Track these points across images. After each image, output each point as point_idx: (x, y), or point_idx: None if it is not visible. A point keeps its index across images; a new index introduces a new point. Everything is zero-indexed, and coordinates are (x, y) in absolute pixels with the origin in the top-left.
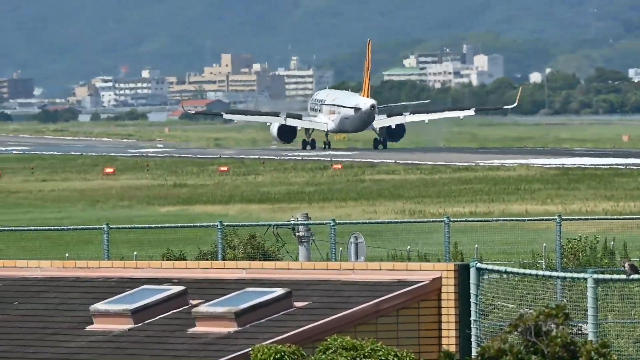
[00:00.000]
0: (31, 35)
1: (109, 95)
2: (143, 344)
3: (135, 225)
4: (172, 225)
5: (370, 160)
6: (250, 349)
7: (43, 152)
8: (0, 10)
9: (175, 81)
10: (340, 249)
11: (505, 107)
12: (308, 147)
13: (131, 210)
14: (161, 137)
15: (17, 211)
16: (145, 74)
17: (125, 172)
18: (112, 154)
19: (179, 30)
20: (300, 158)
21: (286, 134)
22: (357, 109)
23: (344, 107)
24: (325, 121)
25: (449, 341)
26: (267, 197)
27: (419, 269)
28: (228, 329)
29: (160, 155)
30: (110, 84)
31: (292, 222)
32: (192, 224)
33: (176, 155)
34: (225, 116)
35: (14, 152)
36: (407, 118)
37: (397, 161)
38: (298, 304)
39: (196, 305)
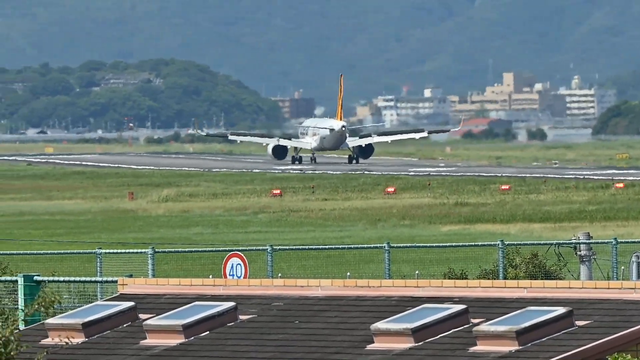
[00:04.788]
0: (313, 54)
1: (391, 114)
2: None
3: (417, 244)
4: (454, 244)
5: None
6: None
7: (324, 171)
8: (283, 28)
9: (458, 100)
10: (622, 267)
11: (452, 129)
12: (296, 162)
13: (412, 229)
14: (443, 156)
15: (298, 230)
16: (427, 93)
17: (407, 191)
18: (394, 173)
19: (461, 48)
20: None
21: (279, 152)
22: (331, 130)
23: (321, 128)
24: (309, 141)
25: None
26: (548, 216)
27: None
28: (509, 348)
29: (442, 174)
30: (392, 103)
31: (574, 241)
32: (473, 243)
33: (458, 173)
34: (230, 137)
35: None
36: (375, 139)
37: None
38: (579, 323)
39: (477, 324)
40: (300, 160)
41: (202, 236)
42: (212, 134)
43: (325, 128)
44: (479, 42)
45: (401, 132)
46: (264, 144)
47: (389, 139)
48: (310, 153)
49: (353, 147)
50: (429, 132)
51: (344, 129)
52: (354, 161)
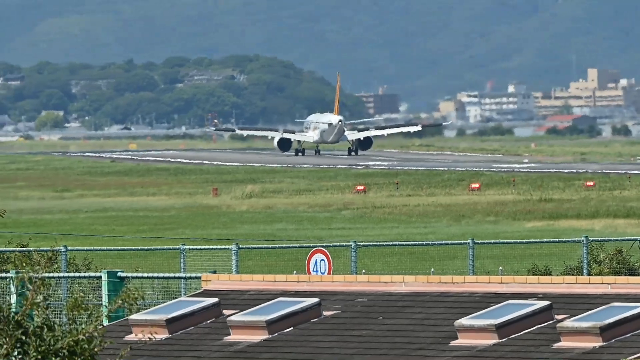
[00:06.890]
0: (397, 50)
1: (475, 110)
2: (507, 359)
3: (501, 240)
4: (538, 240)
5: None
6: None
7: (408, 167)
8: (366, 25)
9: (541, 96)
10: None
11: (443, 124)
12: (300, 154)
13: (497, 225)
14: (527, 152)
15: (382, 226)
16: (511, 88)
17: (491, 187)
18: (478, 169)
19: (545, 44)
20: None
21: (284, 145)
22: (329, 124)
23: (321, 123)
24: (311, 135)
25: None
26: (633, 212)
27: None
28: (593, 344)
29: (526, 170)
30: (475, 99)
31: None
32: (557, 239)
33: (542, 170)
34: (238, 131)
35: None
36: (372, 132)
37: None
38: None
39: (561, 320)
40: (303, 152)
41: (286, 232)
42: (220, 128)
43: (324, 123)
44: (563, 38)
45: (397, 126)
46: (269, 137)
47: (385, 132)
48: (314, 146)
49: (352, 140)
50: (423, 126)
51: (340, 123)
52: (353, 153)
